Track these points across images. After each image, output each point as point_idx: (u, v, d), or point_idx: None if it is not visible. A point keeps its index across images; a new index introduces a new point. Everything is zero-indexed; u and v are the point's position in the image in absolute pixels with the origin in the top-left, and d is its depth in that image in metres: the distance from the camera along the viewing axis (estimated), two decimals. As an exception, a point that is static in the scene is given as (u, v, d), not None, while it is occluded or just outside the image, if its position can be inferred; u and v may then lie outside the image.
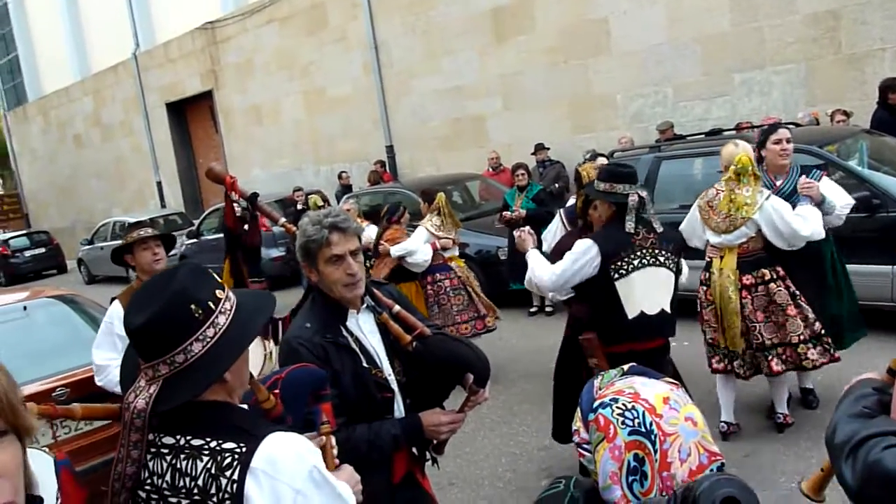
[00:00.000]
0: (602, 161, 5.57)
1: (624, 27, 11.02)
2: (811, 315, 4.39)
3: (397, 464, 2.41)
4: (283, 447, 1.46)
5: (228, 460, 1.43)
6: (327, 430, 1.87)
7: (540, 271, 3.75)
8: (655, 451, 1.93)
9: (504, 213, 8.46)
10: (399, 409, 2.39)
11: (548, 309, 8.58)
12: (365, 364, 2.31)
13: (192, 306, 1.48)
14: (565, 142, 11.76)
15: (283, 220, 3.20)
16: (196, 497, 1.44)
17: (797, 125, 7.96)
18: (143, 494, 1.51)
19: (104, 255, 17.25)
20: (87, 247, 18.29)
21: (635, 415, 1.95)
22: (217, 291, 1.55)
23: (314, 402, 1.93)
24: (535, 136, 11.48)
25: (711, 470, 1.97)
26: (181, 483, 1.46)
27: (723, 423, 4.67)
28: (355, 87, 15.18)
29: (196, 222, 15.05)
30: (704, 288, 4.62)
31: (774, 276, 4.44)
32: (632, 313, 3.55)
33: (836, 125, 8.10)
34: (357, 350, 2.31)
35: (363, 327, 2.38)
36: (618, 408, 1.98)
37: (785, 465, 4.25)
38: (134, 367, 1.58)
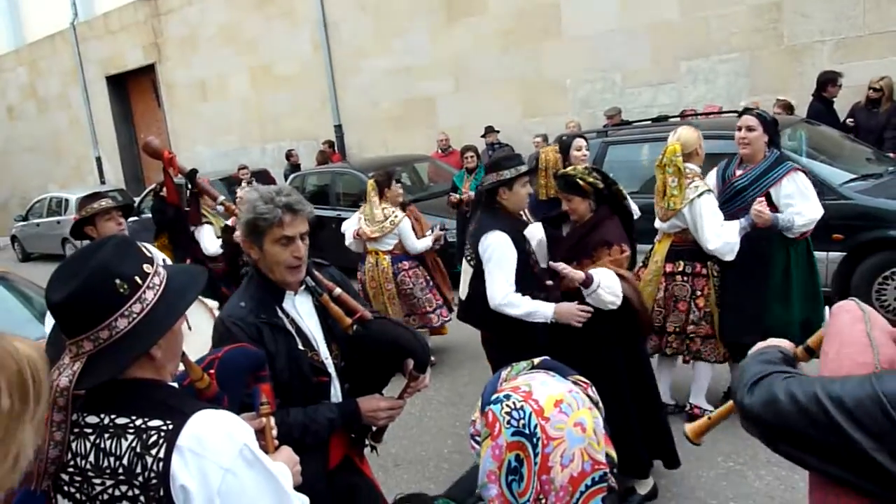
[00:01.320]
0: (581, 142, 5.49)
1: (575, 12, 11.08)
2: (693, 316, 4.47)
3: (333, 449, 2.38)
4: (211, 425, 1.42)
5: (154, 438, 1.39)
6: (267, 410, 1.84)
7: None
8: (536, 455, 1.94)
9: (452, 195, 8.45)
10: (336, 394, 2.37)
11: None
12: (301, 346, 2.27)
13: (117, 281, 1.44)
14: (515, 125, 11.81)
15: (222, 198, 3.13)
16: (121, 477, 1.39)
17: (741, 113, 8.14)
18: (66, 477, 1.46)
19: (40, 232, 16.74)
20: (22, 223, 17.65)
21: (521, 415, 1.95)
22: (145, 266, 1.50)
23: (253, 383, 1.90)
24: (485, 119, 11.49)
25: (593, 478, 1.98)
26: (105, 463, 1.41)
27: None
28: (303, 64, 14.93)
29: (137, 199, 14.65)
30: (640, 266, 4.72)
31: (689, 270, 4.49)
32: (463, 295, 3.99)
33: (776, 115, 8.30)
34: (293, 332, 2.27)
35: (300, 309, 2.34)
36: (507, 405, 1.97)
37: (723, 445, 4.37)
38: (60, 343, 1.52)
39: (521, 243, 3.63)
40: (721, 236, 4.22)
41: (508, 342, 3.65)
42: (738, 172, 4.51)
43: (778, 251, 4.41)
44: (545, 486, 2.00)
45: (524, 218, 4.15)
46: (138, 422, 1.42)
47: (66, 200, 16.04)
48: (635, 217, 4.93)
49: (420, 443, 5.02)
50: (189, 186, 3.05)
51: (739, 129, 4.45)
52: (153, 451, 1.38)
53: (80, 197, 3.97)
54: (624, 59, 10.74)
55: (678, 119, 7.98)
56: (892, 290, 5.86)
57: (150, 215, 11.87)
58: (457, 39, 12.53)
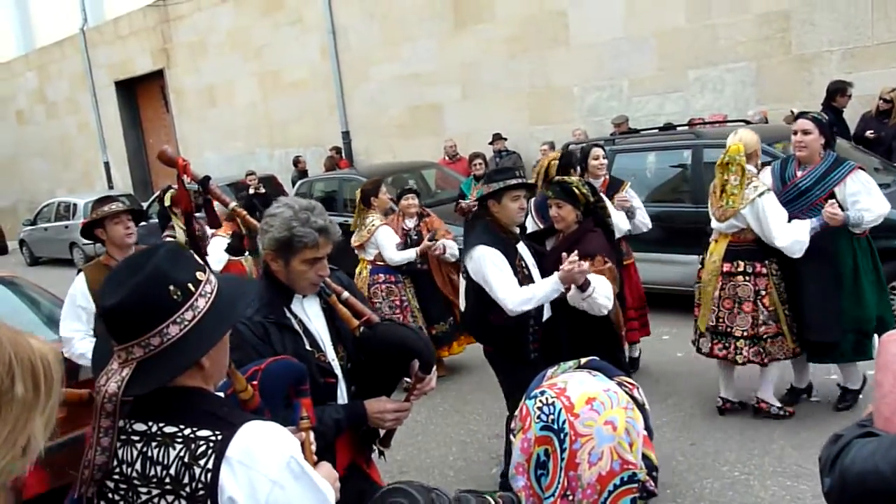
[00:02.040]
0: (599, 151, 5.59)
1: (582, 20, 11.10)
2: (763, 317, 4.50)
3: (339, 454, 2.37)
4: (260, 436, 1.40)
5: (203, 448, 1.37)
6: (307, 425, 1.80)
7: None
8: (563, 450, 1.93)
9: (460, 202, 8.46)
10: (342, 396, 2.37)
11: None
12: (308, 347, 2.28)
13: (171, 287, 1.42)
14: (523, 132, 11.81)
15: (233, 204, 3.15)
16: (167, 486, 1.37)
17: (748, 122, 8.13)
18: (112, 484, 1.43)
19: (48, 237, 16.81)
20: (30, 227, 17.72)
21: (551, 411, 1.95)
22: (198, 273, 1.48)
23: (294, 397, 1.88)
24: (492, 126, 11.50)
25: (622, 478, 1.97)
26: (152, 472, 1.39)
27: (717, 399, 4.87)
28: (312, 71, 14.99)
29: (145, 205, 14.70)
30: (699, 267, 4.84)
31: (749, 270, 4.53)
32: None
33: (785, 123, 8.29)
34: (300, 332, 2.29)
35: (308, 310, 2.36)
36: (540, 401, 1.98)
37: (728, 454, 4.35)
38: (107, 349, 1.50)
39: (511, 257, 3.60)
40: (790, 234, 4.31)
41: (503, 355, 3.68)
42: (800, 174, 4.56)
43: (844, 247, 4.47)
44: (572, 483, 1.99)
45: (517, 231, 4.11)
46: (187, 431, 1.39)
47: (75, 205, 16.11)
48: (646, 230, 4.99)
49: (425, 450, 5.01)
50: (202, 192, 3.08)
51: (795, 132, 4.52)
52: (201, 462, 1.36)
53: (93, 200, 4.04)
54: (631, 67, 10.75)
55: (686, 127, 7.97)
56: (889, 300, 5.82)
57: (156, 220, 11.95)
58: (464, 47, 12.56)
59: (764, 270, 4.51)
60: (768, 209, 4.33)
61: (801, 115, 4.77)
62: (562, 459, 2.02)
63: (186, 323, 1.42)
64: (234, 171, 15.38)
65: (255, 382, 1.76)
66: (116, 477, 1.43)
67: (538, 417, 2.01)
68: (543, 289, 3.45)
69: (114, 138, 20.80)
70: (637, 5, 10.53)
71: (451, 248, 6.03)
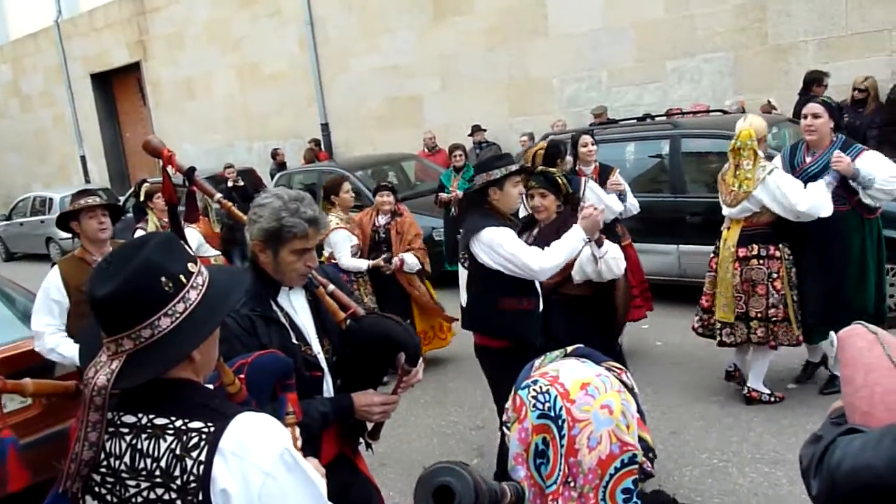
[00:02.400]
0: (587, 138, 5.64)
1: (561, 11, 11.10)
2: (773, 300, 4.57)
3: (325, 445, 2.37)
4: (253, 428, 1.38)
5: (195, 440, 1.34)
6: (292, 420, 1.80)
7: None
8: (562, 437, 1.95)
9: (441, 194, 8.45)
10: (328, 390, 2.37)
11: (482, 290, 8.64)
12: (294, 340, 2.27)
13: (163, 279, 1.39)
14: (502, 124, 11.81)
15: (219, 195, 3.12)
16: (157, 479, 1.35)
17: (725, 112, 8.19)
18: (98, 478, 1.41)
19: (24, 232, 16.58)
20: (5, 223, 17.49)
21: (547, 398, 1.96)
22: (189, 265, 1.45)
23: (280, 392, 1.87)
24: (472, 118, 11.49)
25: (622, 461, 1.99)
26: (141, 464, 1.36)
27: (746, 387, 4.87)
28: (290, 63, 14.88)
29: (122, 198, 14.56)
30: (712, 255, 4.90)
31: (763, 253, 4.60)
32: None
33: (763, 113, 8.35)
34: (287, 325, 2.28)
35: (294, 303, 2.36)
36: (534, 390, 1.99)
37: (707, 442, 4.40)
38: (95, 341, 1.46)
39: None
40: (808, 197, 4.35)
41: (508, 348, 3.64)
42: (809, 159, 4.61)
43: (854, 230, 4.51)
44: (573, 469, 2.00)
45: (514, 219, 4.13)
46: (178, 423, 1.37)
47: (50, 199, 15.91)
48: (636, 212, 5.39)
49: (406, 441, 5.02)
50: (186, 184, 3.05)
51: (805, 116, 4.57)
52: (194, 454, 1.34)
53: (71, 193, 4.00)
54: (610, 58, 10.77)
55: (663, 118, 8.01)
56: (887, 288, 5.89)
57: (132, 214, 11.84)
58: (443, 38, 12.52)
59: (777, 254, 4.60)
60: (780, 182, 4.41)
61: (811, 98, 4.84)
62: (561, 446, 2.02)
63: (178, 315, 1.40)
64: (212, 163, 15.25)
65: (241, 376, 1.73)
66: (103, 470, 1.40)
67: (534, 406, 2.01)
68: (569, 241, 3.46)
69: (90, 132, 20.56)
70: (615, -4, 10.55)
71: (410, 262, 5.95)
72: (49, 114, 21.83)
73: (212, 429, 1.35)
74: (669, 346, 6.03)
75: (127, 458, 1.38)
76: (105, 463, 1.40)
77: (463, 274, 3.84)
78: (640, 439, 2.07)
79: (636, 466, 2.01)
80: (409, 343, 2.37)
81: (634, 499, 2.00)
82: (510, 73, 11.87)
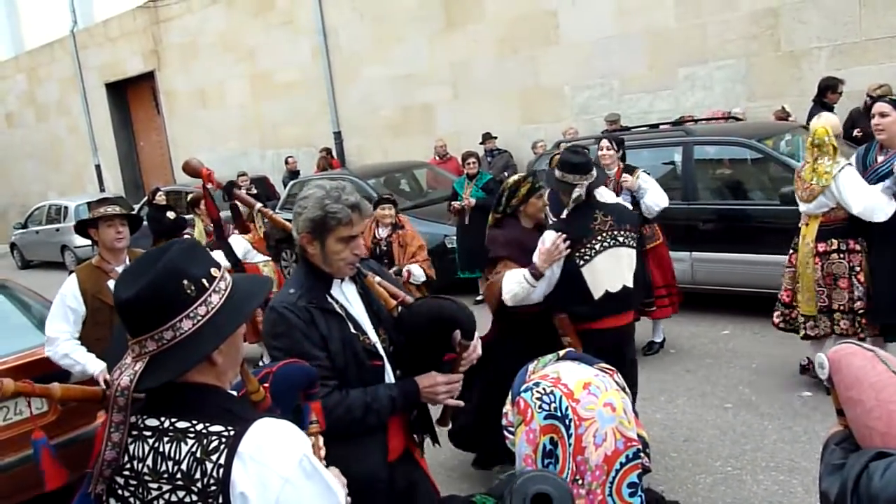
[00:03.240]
0: (605, 143, 5.82)
1: (572, 19, 11.11)
2: (857, 293, 4.62)
3: (392, 439, 2.37)
4: (272, 433, 1.40)
5: (215, 444, 1.36)
6: (316, 429, 1.81)
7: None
8: (570, 436, 1.97)
9: (454, 203, 8.46)
10: (390, 380, 2.36)
11: (494, 297, 8.63)
12: (353, 330, 2.28)
13: (185, 282, 1.42)
14: (513, 132, 11.83)
15: (259, 205, 3.20)
16: (178, 482, 1.37)
17: (738, 119, 8.17)
18: (122, 480, 1.43)
19: (39, 240, 16.73)
20: (21, 231, 17.65)
21: (552, 399, 1.99)
22: (212, 270, 1.48)
23: (304, 400, 1.88)
24: (483, 126, 11.51)
25: (627, 456, 2.01)
26: (163, 467, 1.39)
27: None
28: (303, 72, 14.97)
29: (136, 206, 14.67)
30: (791, 251, 4.94)
31: (843, 248, 4.65)
32: (597, 294, 3.67)
33: (776, 119, 8.34)
34: (343, 316, 2.29)
35: (347, 295, 2.37)
36: (538, 392, 2.02)
37: (721, 449, 4.37)
38: (123, 344, 1.50)
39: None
40: (863, 199, 4.42)
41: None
42: (881, 158, 4.63)
43: None
44: (580, 467, 2.02)
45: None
46: (199, 426, 1.39)
47: (66, 208, 16.04)
48: (658, 209, 5.60)
49: (419, 449, 5.01)
50: (228, 197, 3.17)
51: (873, 116, 4.61)
52: (213, 457, 1.36)
53: (92, 200, 4.08)
54: (621, 66, 10.77)
55: (673, 124, 8.00)
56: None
57: (146, 223, 11.94)
58: (455, 47, 12.56)
59: (858, 247, 4.64)
60: (844, 180, 4.48)
61: (878, 98, 4.90)
62: (569, 445, 2.05)
63: (199, 318, 1.43)
64: (226, 171, 15.31)
65: (265, 385, 1.74)
66: (127, 473, 1.42)
67: (539, 407, 2.04)
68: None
69: (104, 140, 20.73)
70: (627, 4, 10.55)
71: (416, 273, 5.75)
72: (64, 123, 22.04)
73: (232, 433, 1.37)
74: (682, 354, 6.01)
75: (150, 461, 1.40)
76: (129, 465, 1.42)
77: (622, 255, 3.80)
78: (638, 435, 2.09)
79: (640, 461, 2.04)
80: (463, 318, 2.33)
81: (639, 492, 2.02)
82: (522, 81, 11.89)
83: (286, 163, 14.14)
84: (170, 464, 1.38)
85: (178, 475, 1.37)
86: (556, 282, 3.65)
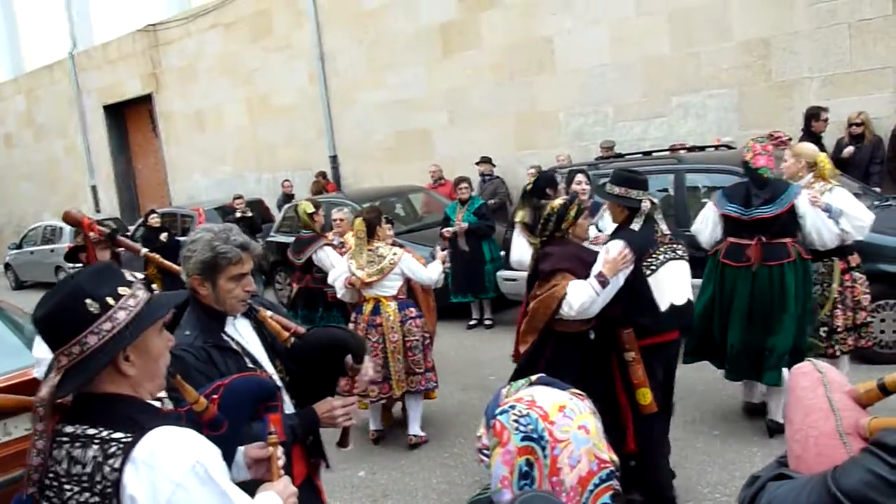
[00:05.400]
0: (581, 177, 5.87)
1: (568, 47, 11.25)
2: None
3: (296, 467, 2.44)
4: (167, 440, 1.51)
5: (113, 449, 1.49)
6: (274, 440, 1.88)
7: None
8: (545, 457, 2.01)
9: (446, 230, 8.51)
10: (289, 409, 2.45)
11: (487, 322, 8.66)
12: (250, 365, 2.37)
13: (88, 301, 1.55)
14: (509, 157, 11.91)
15: (144, 251, 3.45)
16: (85, 484, 1.49)
17: (729, 147, 8.26)
18: (48, 482, 1.55)
19: (34, 260, 16.72)
20: (16, 251, 17.64)
21: (528, 421, 2.03)
22: (120, 289, 1.60)
23: (263, 413, 1.94)
24: (479, 151, 11.58)
25: (601, 477, 2.05)
26: (74, 470, 1.51)
27: None
28: (300, 96, 15.08)
29: (132, 228, 14.70)
30: None
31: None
32: (663, 306, 3.76)
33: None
34: (240, 352, 2.38)
35: (241, 332, 2.46)
36: (514, 414, 2.06)
37: (710, 476, 4.37)
38: None
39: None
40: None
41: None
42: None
43: (788, 270, 4.63)
44: (556, 488, 2.06)
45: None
46: (104, 433, 1.52)
47: (61, 229, 16.06)
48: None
49: (409, 473, 5.01)
50: (111, 243, 3.38)
51: None
52: (110, 462, 1.47)
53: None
54: (616, 93, 10.89)
55: (667, 152, 8.08)
56: (880, 323, 5.90)
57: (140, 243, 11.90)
58: (452, 73, 12.69)
59: (824, 270, 4.99)
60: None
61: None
62: (545, 466, 2.09)
63: (105, 333, 1.55)
64: (222, 194, 15.41)
65: (215, 397, 1.84)
66: (51, 475, 1.55)
67: (516, 429, 2.08)
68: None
69: (101, 162, 20.79)
70: (621, 33, 10.69)
71: (438, 270, 5.64)
72: (61, 144, 22.11)
73: (129, 439, 1.49)
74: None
75: (65, 465, 1.53)
76: (52, 469, 1.55)
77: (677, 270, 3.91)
78: (610, 459, 2.14)
79: (613, 482, 2.08)
80: (352, 343, 2.49)
81: None
82: (517, 107, 12.00)
83: (283, 186, 14.20)
84: (79, 467, 1.51)
85: (85, 478, 1.49)
86: (615, 293, 3.65)
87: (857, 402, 1.40)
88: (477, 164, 11.14)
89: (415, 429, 5.48)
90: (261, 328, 2.48)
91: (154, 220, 10.94)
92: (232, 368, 2.28)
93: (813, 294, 4.80)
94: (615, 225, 4.16)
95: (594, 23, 10.91)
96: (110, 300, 1.57)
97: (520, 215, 5.04)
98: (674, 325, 3.84)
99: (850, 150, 8.15)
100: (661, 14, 10.31)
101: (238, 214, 10.88)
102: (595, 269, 3.65)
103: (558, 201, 4.04)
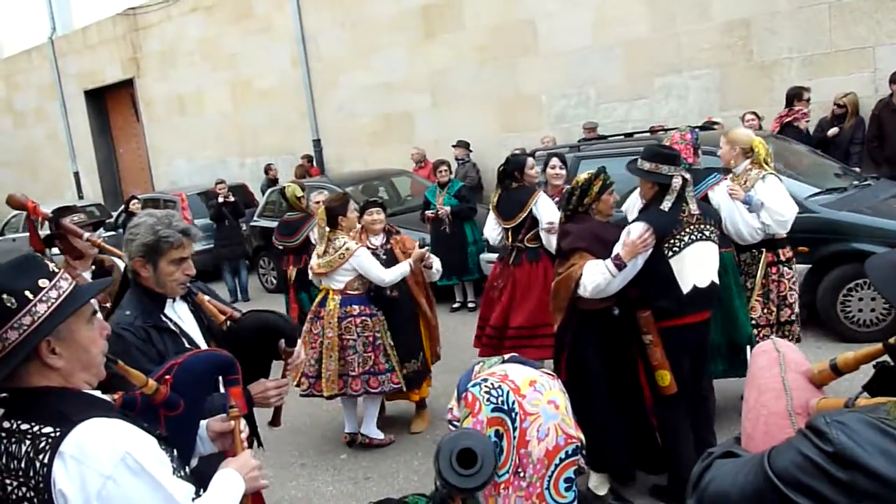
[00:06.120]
0: (556, 161, 5.90)
1: (550, 29, 11.22)
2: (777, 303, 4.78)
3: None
4: (95, 433, 1.50)
5: (42, 444, 1.49)
6: (236, 413, 1.92)
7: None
8: (514, 429, 2.06)
9: (427, 212, 8.51)
10: (223, 390, 2.48)
11: (470, 305, 8.68)
12: (187, 345, 2.44)
13: (4, 296, 1.53)
14: (493, 140, 11.90)
15: (87, 235, 3.45)
16: (21, 479, 1.49)
17: (713, 126, 8.28)
18: None
19: (16, 247, 16.55)
20: (-2, 238, 17.49)
21: (500, 393, 2.08)
22: (40, 281, 1.58)
23: (225, 386, 1.96)
24: (463, 134, 11.57)
25: (567, 452, 2.10)
26: (11, 465, 1.51)
27: None
28: (282, 79, 14.98)
29: (115, 214, 14.59)
30: None
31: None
32: (685, 288, 3.68)
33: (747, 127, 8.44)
34: (178, 333, 2.46)
35: (180, 313, 2.54)
36: (486, 386, 2.10)
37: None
38: None
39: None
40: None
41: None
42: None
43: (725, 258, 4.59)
44: (523, 460, 2.10)
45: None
46: (35, 428, 1.52)
47: (57, 209, 15.88)
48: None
49: (390, 455, 5.04)
50: (55, 227, 3.36)
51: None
52: (40, 457, 1.48)
53: (54, 210, 4.01)
54: (598, 75, 10.88)
55: (647, 134, 8.10)
56: (857, 302, 5.97)
57: (122, 230, 11.88)
58: (434, 55, 12.63)
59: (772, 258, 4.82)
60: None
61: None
62: (514, 438, 2.14)
63: (25, 328, 1.53)
64: (205, 179, 15.30)
65: (168, 377, 1.84)
66: None
67: (487, 401, 2.14)
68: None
69: (83, 148, 20.60)
70: (604, 15, 10.67)
71: (436, 263, 5.35)
72: (42, 130, 21.87)
73: (57, 433, 1.49)
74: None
75: (4, 460, 1.53)
76: None
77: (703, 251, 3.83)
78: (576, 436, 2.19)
79: (578, 457, 2.13)
80: (285, 327, 2.59)
81: (574, 487, 2.12)
82: (500, 90, 11.97)
83: (266, 171, 14.12)
84: (15, 462, 1.51)
85: (20, 472, 1.50)
86: (634, 275, 3.63)
87: (812, 383, 1.42)
88: (454, 146, 11.10)
89: (366, 429, 5.23)
90: (198, 311, 2.58)
91: (135, 206, 10.88)
92: (170, 348, 2.36)
93: (740, 285, 4.59)
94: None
95: (576, 5, 10.89)
96: (28, 294, 1.55)
97: (493, 197, 5.04)
98: (697, 308, 3.76)
99: (834, 130, 8.20)
100: (642, -5, 10.30)
101: (221, 199, 10.81)
102: (614, 251, 3.62)
103: (583, 175, 3.98)
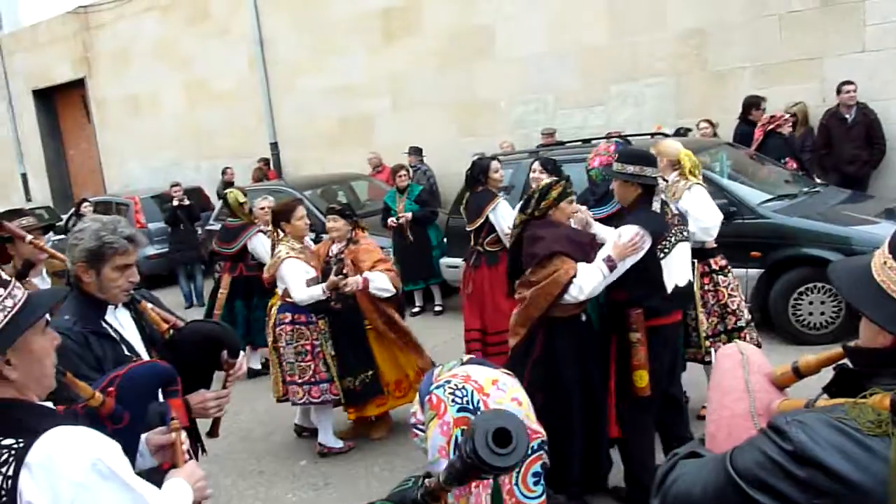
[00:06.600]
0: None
1: (508, 35, 11.30)
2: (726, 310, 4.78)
3: None
4: (62, 441, 1.47)
5: (5, 457, 1.44)
6: (176, 425, 1.90)
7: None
8: None
9: (390, 219, 8.49)
10: (161, 398, 2.48)
11: (437, 308, 8.67)
12: (126, 352, 2.41)
13: None
14: (452, 144, 11.91)
15: (29, 237, 3.47)
16: None
17: (665, 135, 8.41)
18: None
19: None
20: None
21: (465, 393, 2.10)
22: None
23: (165, 398, 1.93)
24: (422, 138, 11.56)
25: (532, 447, 2.14)
26: None
27: None
28: (239, 81, 14.79)
29: (65, 217, 14.23)
30: None
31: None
32: (669, 287, 3.74)
33: (701, 137, 8.62)
34: (118, 339, 2.43)
35: (121, 320, 2.51)
36: (450, 388, 2.12)
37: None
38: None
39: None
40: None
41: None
42: None
43: None
44: None
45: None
46: None
47: (4, 211, 15.40)
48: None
49: (351, 461, 5.01)
50: None
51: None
52: (3, 469, 1.42)
53: (3, 212, 3.91)
54: (556, 81, 10.99)
55: (603, 140, 8.19)
56: (808, 305, 6.12)
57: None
58: (393, 59, 12.61)
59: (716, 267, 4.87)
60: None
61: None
62: None
63: None
64: (159, 182, 15.02)
65: (111, 389, 1.81)
66: None
67: (452, 401, 2.15)
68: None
69: (32, 149, 20.04)
70: (560, 22, 10.78)
71: (379, 283, 4.93)
72: (-12, 130, 21.25)
73: (20, 444, 1.44)
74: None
75: None
76: None
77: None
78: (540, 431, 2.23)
79: (543, 452, 2.17)
80: (228, 339, 2.59)
81: (541, 481, 2.15)
82: (459, 95, 12.01)
83: (222, 174, 13.92)
84: None
85: None
86: (617, 277, 3.64)
87: (774, 385, 1.45)
88: (406, 153, 10.99)
89: (323, 438, 5.17)
90: (140, 319, 2.56)
91: (87, 209, 10.63)
92: (108, 355, 2.34)
93: None
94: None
95: (534, 11, 10.97)
96: None
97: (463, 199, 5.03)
98: (678, 306, 3.84)
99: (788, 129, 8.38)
100: (599, 3, 10.45)
101: (176, 203, 10.62)
102: (603, 252, 3.63)
103: (546, 180, 4.00)
